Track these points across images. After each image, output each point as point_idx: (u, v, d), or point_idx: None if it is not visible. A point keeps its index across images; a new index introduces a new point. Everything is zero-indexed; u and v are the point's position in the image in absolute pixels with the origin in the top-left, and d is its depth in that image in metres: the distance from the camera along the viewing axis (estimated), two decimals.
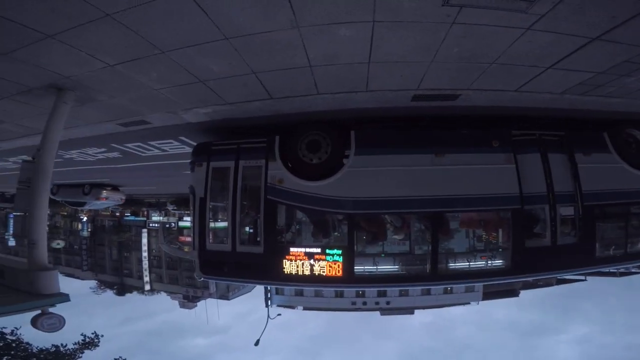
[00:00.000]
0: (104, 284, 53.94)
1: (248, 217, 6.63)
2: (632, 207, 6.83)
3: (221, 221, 6.81)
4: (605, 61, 4.74)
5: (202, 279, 6.91)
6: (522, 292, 34.42)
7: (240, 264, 6.34)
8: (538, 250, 6.27)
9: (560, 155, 6.47)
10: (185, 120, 6.91)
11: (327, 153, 6.26)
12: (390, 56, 4.50)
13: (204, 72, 5.00)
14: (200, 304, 48.98)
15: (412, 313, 38.26)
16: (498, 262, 6.36)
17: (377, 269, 6.38)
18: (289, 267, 6.04)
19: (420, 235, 6.52)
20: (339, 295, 36.44)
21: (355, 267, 6.04)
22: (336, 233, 6.52)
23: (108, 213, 50.50)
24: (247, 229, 6.69)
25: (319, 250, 6.04)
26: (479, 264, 6.42)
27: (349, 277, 5.99)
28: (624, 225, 6.78)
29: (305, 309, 40.10)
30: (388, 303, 36.57)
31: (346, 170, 6.07)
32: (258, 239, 6.34)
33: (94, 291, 53.68)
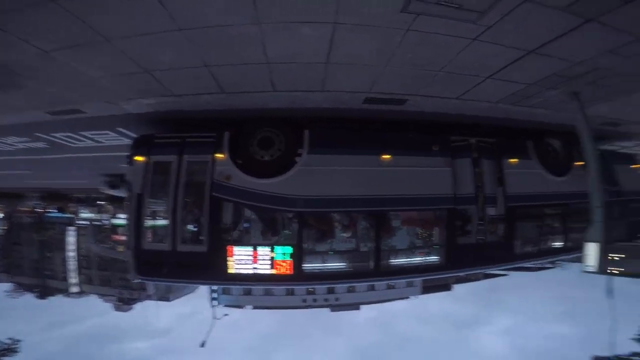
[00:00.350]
0: (22, 287, 47.95)
1: (191, 214, 6.23)
2: (547, 209, 7.66)
3: (160, 219, 6.30)
4: (536, 74, 5.23)
5: (138, 280, 6.45)
6: (455, 286, 36.94)
7: (181, 263, 5.95)
8: (468, 247, 6.84)
9: (491, 161, 7.07)
10: (126, 110, 6.33)
11: (280, 151, 6.15)
12: (348, 58, 4.51)
13: (152, 63, 4.62)
14: (138, 306, 45.64)
15: (358, 309, 39.25)
16: (434, 258, 6.77)
17: (325, 266, 6.42)
18: (235, 266, 5.83)
19: (366, 233, 6.65)
20: (290, 293, 36.22)
21: (304, 265, 6.02)
22: (286, 231, 6.42)
23: (28, 209, 44.86)
24: (189, 227, 6.28)
25: (268, 248, 5.92)
26: (418, 259, 6.78)
27: (298, 275, 5.96)
28: (539, 225, 7.58)
29: (255, 308, 39.24)
30: (337, 299, 37.12)
31: (298, 168, 6.03)
32: (201, 237, 6.00)
33: (10, 295, 47.56)
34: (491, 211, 6.99)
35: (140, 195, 5.99)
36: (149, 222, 6.13)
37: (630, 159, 9.12)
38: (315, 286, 29.02)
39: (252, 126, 6.23)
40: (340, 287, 34.43)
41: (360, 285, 34.15)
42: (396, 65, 4.81)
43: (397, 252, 6.72)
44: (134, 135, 7.01)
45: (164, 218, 6.08)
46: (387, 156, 6.37)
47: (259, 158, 6.11)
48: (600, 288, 7.06)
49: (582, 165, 6.86)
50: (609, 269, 5.48)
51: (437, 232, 6.89)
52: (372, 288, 36.04)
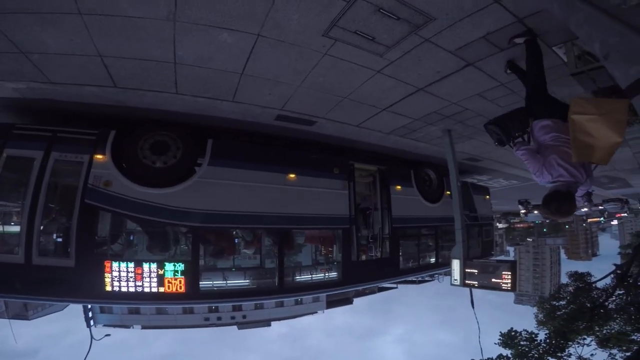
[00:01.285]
0: None
1: (55, 223, 5.10)
2: (424, 230, 8.83)
3: (12, 225, 5.04)
4: (421, 110, 5.97)
5: None
6: (355, 300, 38.90)
7: (40, 279, 4.76)
8: (363, 264, 7.37)
9: (380, 186, 7.95)
10: None
11: (176, 158, 5.52)
12: (264, 72, 4.39)
13: (32, 44, 3.70)
14: None
15: (269, 325, 37.58)
16: (334, 274, 7.00)
17: (226, 283, 5.98)
18: (114, 283, 4.97)
19: (270, 250, 6.50)
20: (189, 311, 32.48)
21: (201, 282, 5.47)
22: (183, 246, 5.79)
23: None
24: (52, 237, 5.12)
25: (155, 265, 5.18)
26: (320, 275, 6.91)
27: (193, 293, 5.36)
28: (418, 244, 8.65)
29: (144, 327, 33.73)
30: (244, 317, 34.72)
31: (196, 179, 5.51)
32: (69, 249, 4.93)
33: None
34: (380, 231, 7.76)
35: None
36: None
37: (485, 190, 11.36)
38: (217, 304, 26.85)
39: (145, 127, 5.47)
40: (247, 304, 32.48)
41: (269, 302, 33.04)
42: (309, 87, 4.88)
43: (301, 269, 6.74)
44: None
45: (17, 224, 4.84)
46: (292, 175, 6.40)
47: (149, 164, 5.34)
48: (467, 298, 8.17)
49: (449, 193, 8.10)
50: (468, 282, 6.37)
51: (336, 250, 7.17)
52: (281, 304, 35.23)
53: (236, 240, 6.40)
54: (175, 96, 4.99)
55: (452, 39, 3.85)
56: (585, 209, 27.45)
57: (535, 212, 21.25)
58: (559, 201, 2.74)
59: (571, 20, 1.36)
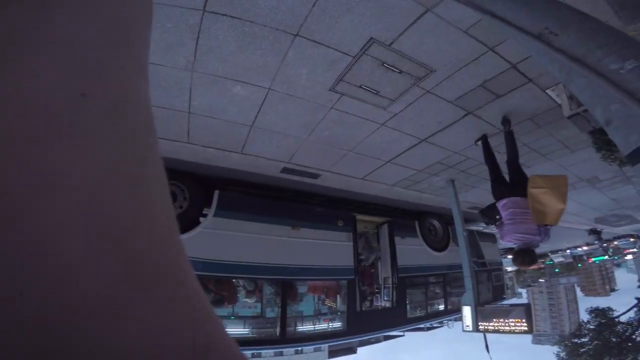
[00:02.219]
0: None
1: None
2: (431, 278, 8.65)
3: None
4: (424, 161, 6.03)
5: None
6: (360, 349, 36.28)
7: None
8: (368, 313, 7.19)
9: (385, 237, 7.94)
10: None
11: (182, 208, 5.52)
12: (273, 125, 4.49)
13: None
14: None
15: None
16: (338, 324, 6.77)
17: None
18: None
19: (272, 299, 6.29)
20: None
21: None
22: None
23: None
24: None
25: None
26: (323, 325, 6.66)
27: None
28: (425, 292, 8.48)
29: None
30: None
31: (200, 230, 5.43)
32: None
33: None
34: (386, 281, 7.66)
35: None
36: None
37: (491, 237, 11.27)
38: None
39: None
40: (246, 353, 30.69)
41: (267, 352, 30.90)
42: (315, 140, 4.97)
43: (303, 319, 6.51)
44: None
45: None
46: (297, 227, 6.43)
47: None
48: (481, 342, 7.87)
49: (455, 241, 8.07)
50: (481, 326, 6.16)
51: (340, 300, 6.95)
52: (280, 354, 32.90)
53: (237, 289, 6.14)
54: (185, 145, 5.05)
55: (452, 89, 4.02)
56: (585, 248, 27.69)
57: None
58: (522, 257, 3.69)
59: (572, 85, 1.38)
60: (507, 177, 4.39)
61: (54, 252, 0.17)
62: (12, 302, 0.15)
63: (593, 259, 34.85)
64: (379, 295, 7.69)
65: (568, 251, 33.40)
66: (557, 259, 38.51)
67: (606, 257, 31.83)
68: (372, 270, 7.88)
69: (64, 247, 0.17)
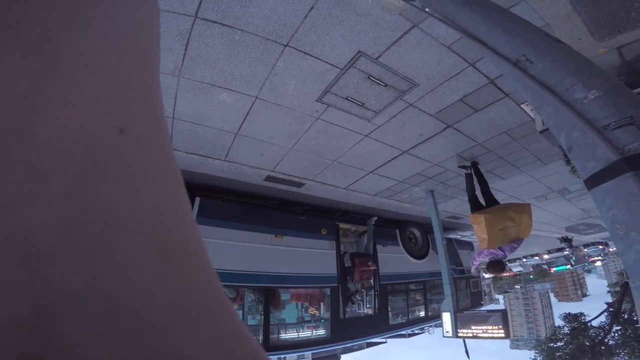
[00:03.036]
0: None
1: None
2: (411, 285, 8.79)
3: None
4: (406, 172, 6.12)
5: None
6: (343, 357, 35.91)
7: None
8: (350, 320, 7.14)
9: (368, 244, 7.92)
10: None
11: None
12: (259, 133, 4.45)
13: None
14: None
15: None
16: (322, 332, 6.72)
17: None
18: None
19: (254, 306, 6.17)
20: None
21: None
22: None
23: None
24: None
25: None
26: (306, 333, 6.60)
27: None
28: (406, 299, 8.59)
29: None
30: None
31: None
32: None
33: None
34: (369, 288, 7.61)
35: None
36: None
37: (469, 245, 11.66)
38: None
39: None
40: None
41: None
42: (300, 149, 4.96)
43: (286, 326, 6.44)
44: None
45: None
46: (280, 235, 6.39)
47: None
48: (461, 347, 7.95)
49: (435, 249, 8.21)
50: (460, 333, 6.29)
51: (324, 307, 6.92)
52: None
53: None
54: None
55: (433, 103, 4.12)
56: (547, 256, 29.27)
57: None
58: (493, 266, 4.96)
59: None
60: (482, 202, 5.32)
61: (129, 280, 0.17)
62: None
63: (555, 268, 35.91)
64: (361, 303, 7.63)
65: (524, 259, 34.32)
66: (516, 268, 39.78)
67: (568, 266, 32.80)
68: (370, 264, 7.55)
69: (136, 276, 0.18)
